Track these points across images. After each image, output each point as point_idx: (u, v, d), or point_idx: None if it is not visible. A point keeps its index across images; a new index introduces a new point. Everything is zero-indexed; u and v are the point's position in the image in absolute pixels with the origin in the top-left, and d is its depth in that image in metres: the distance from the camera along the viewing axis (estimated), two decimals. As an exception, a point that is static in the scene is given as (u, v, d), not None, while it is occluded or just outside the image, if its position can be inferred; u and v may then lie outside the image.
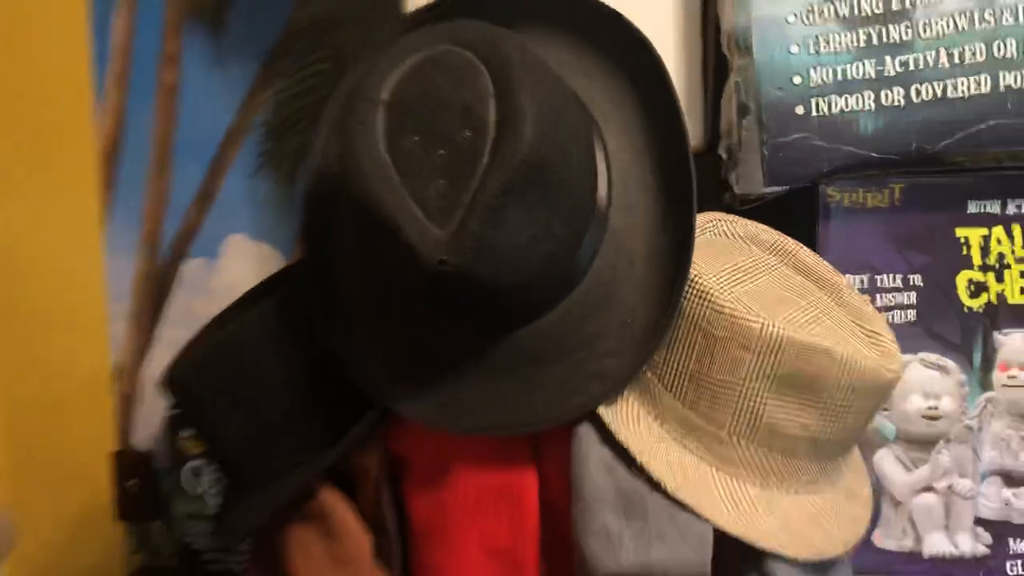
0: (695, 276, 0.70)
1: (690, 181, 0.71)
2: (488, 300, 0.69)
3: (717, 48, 0.87)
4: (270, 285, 0.90)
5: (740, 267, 0.72)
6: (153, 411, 1.31)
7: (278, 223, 1.24)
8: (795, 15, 0.81)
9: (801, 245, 0.77)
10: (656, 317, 0.70)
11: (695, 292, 0.69)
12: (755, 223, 0.77)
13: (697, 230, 0.71)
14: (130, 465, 1.32)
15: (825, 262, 0.76)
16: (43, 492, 1.32)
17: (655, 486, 0.67)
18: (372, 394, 0.77)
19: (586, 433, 0.72)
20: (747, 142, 0.82)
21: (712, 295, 0.68)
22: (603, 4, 0.77)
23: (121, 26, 1.26)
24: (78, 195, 1.29)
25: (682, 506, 0.67)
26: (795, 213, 0.86)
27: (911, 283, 0.86)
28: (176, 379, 0.84)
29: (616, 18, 0.76)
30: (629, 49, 0.76)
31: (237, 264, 1.23)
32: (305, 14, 1.20)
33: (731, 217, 0.77)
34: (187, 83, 1.24)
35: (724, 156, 0.85)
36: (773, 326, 0.66)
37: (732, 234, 0.76)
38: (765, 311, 0.67)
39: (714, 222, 0.77)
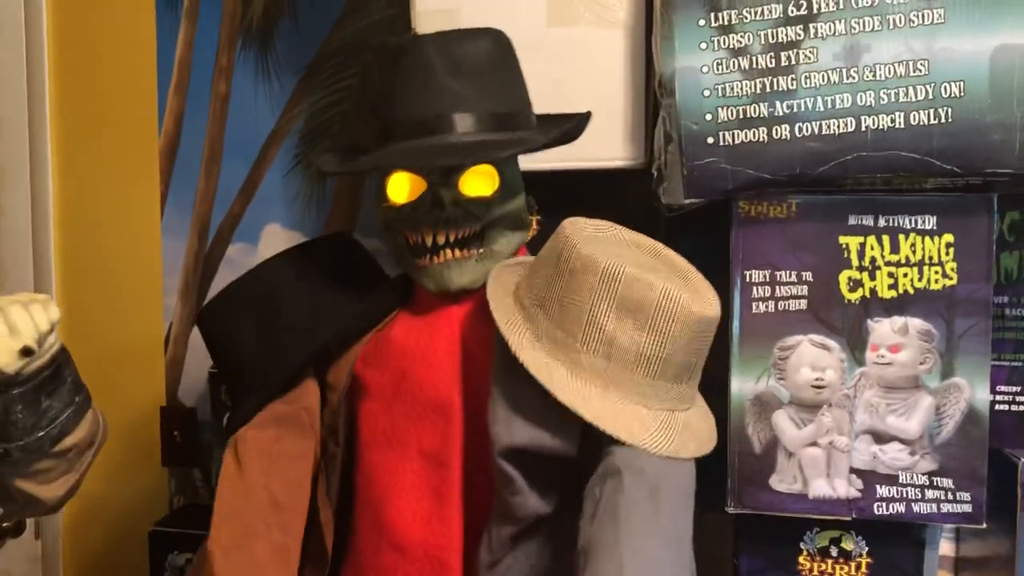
0: (570, 235, 0.88)
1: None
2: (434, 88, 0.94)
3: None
4: None
5: (613, 247, 0.91)
6: (197, 372, 1.44)
7: (307, 215, 1.38)
8: (707, 67, 0.99)
9: (670, 249, 0.94)
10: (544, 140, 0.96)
11: (569, 244, 0.87)
12: (643, 235, 0.96)
13: (591, 228, 0.91)
14: (175, 418, 1.47)
15: (683, 259, 0.93)
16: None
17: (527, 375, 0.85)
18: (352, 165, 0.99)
19: (499, 354, 0.90)
20: (671, 163, 1.00)
21: (576, 244, 0.87)
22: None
23: (183, 41, 1.41)
24: (142, 184, 1.45)
25: (538, 386, 0.84)
26: (713, 221, 1.05)
27: (803, 279, 1.04)
28: (207, 308, 1.07)
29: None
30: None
31: (273, 249, 1.24)
32: (337, 37, 1.34)
33: (622, 228, 0.96)
34: (236, 93, 1.40)
35: (655, 173, 1.03)
36: (614, 262, 0.84)
37: (619, 238, 0.95)
38: (613, 258, 0.85)
39: (607, 227, 0.95)
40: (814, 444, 1.05)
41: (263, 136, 1.38)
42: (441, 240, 0.97)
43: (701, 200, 1.02)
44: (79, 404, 0.97)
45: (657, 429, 0.84)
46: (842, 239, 1.03)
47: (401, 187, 0.99)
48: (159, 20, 1.41)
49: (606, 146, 1.10)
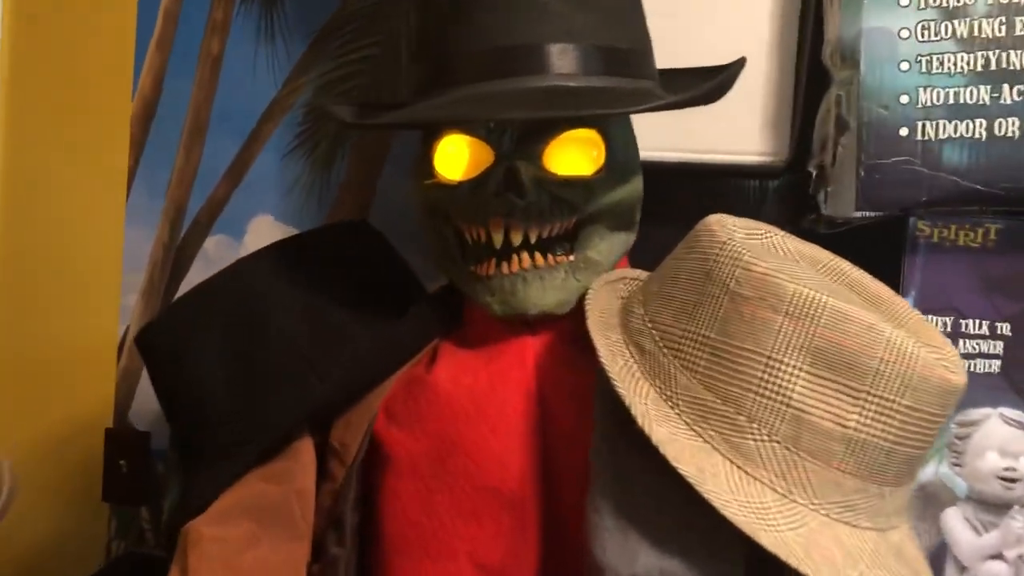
0: (727, 241, 0.63)
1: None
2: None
3: (813, 58, 0.83)
4: None
5: (784, 263, 0.67)
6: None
7: (306, 207, 1.21)
8: (908, 30, 0.77)
9: (860, 270, 0.71)
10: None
11: (725, 254, 0.62)
12: (809, 244, 0.71)
13: (741, 231, 0.66)
14: (123, 444, 1.30)
15: (886, 287, 0.70)
16: (35, 461, 1.28)
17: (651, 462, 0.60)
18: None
19: (603, 421, 0.65)
20: (843, 161, 0.77)
21: (743, 256, 0.61)
22: None
23: None
24: (106, 155, 1.28)
25: (673, 482, 0.59)
26: (879, 244, 0.81)
27: (998, 331, 0.81)
28: (154, 324, 0.80)
29: None
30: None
31: (262, 245, 1.19)
32: (355, 1, 1.18)
33: (782, 232, 0.71)
34: (231, 54, 1.23)
35: (814, 173, 0.81)
36: (809, 289, 0.59)
37: (782, 247, 0.70)
38: (804, 280, 0.61)
39: (763, 232, 0.71)
40: (999, 557, 0.82)
41: (260, 108, 1.23)
42: (516, 239, 0.70)
43: (876, 214, 0.79)
44: None
45: (867, 564, 0.58)
46: None
47: (457, 155, 0.72)
48: None
49: (734, 134, 0.86)
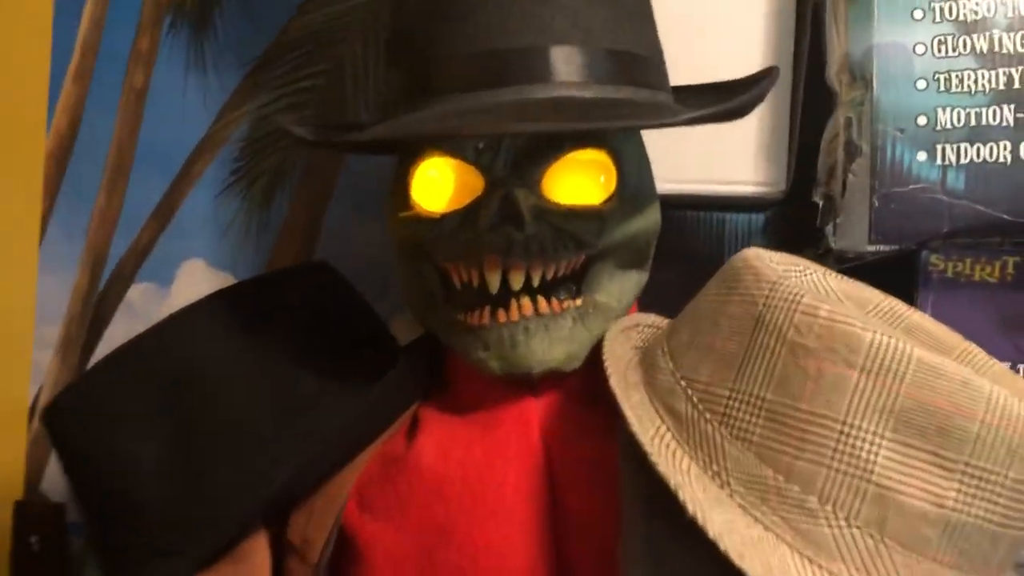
0: (777, 279, 0.54)
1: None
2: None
3: (811, 77, 0.77)
4: None
5: (849, 309, 0.58)
6: None
7: (242, 250, 1.15)
8: (924, 45, 0.70)
9: (918, 311, 0.63)
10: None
11: (778, 296, 0.53)
12: (852, 280, 0.63)
13: (779, 267, 0.58)
14: (35, 518, 1.22)
15: (953, 332, 0.62)
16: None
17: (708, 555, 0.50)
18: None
19: (635, 503, 0.55)
20: (854, 189, 0.70)
21: (801, 298, 0.52)
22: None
23: (90, 16, 1.19)
24: (17, 198, 1.21)
25: None
26: (889, 280, 0.74)
27: (1020, 372, 0.75)
28: (64, 398, 0.66)
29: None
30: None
31: (192, 293, 1.15)
32: (301, 24, 1.14)
33: (821, 267, 0.63)
34: (158, 86, 1.16)
35: (821, 203, 0.74)
36: (891, 337, 0.49)
37: (824, 287, 0.62)
38: (878, 326, 0.51)
39: (805, 269, 0.62)
40: None
41: (190, 144, 1.17)
42: (516, 282, 0.61)
43: (891, 248, 0.72)
44: None
45: None
46: None
47: (441, 182, 0.63)
48: None
49: (724, 163, 0.79)
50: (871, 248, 0.71)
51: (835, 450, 0.48)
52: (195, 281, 1.15)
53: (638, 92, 0.60)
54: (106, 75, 1.16)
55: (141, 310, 1.17)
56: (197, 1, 1.15)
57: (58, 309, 1.19)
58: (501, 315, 0.61)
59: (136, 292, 1.18)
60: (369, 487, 0.64)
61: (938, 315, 0.74)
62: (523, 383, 0.64)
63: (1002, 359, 0.73)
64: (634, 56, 0.61)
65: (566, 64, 0.58)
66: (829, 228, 0.72)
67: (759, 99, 0.66)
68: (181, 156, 1.14)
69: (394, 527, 0.62)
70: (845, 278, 0.61)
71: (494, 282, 0.61)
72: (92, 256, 1.17)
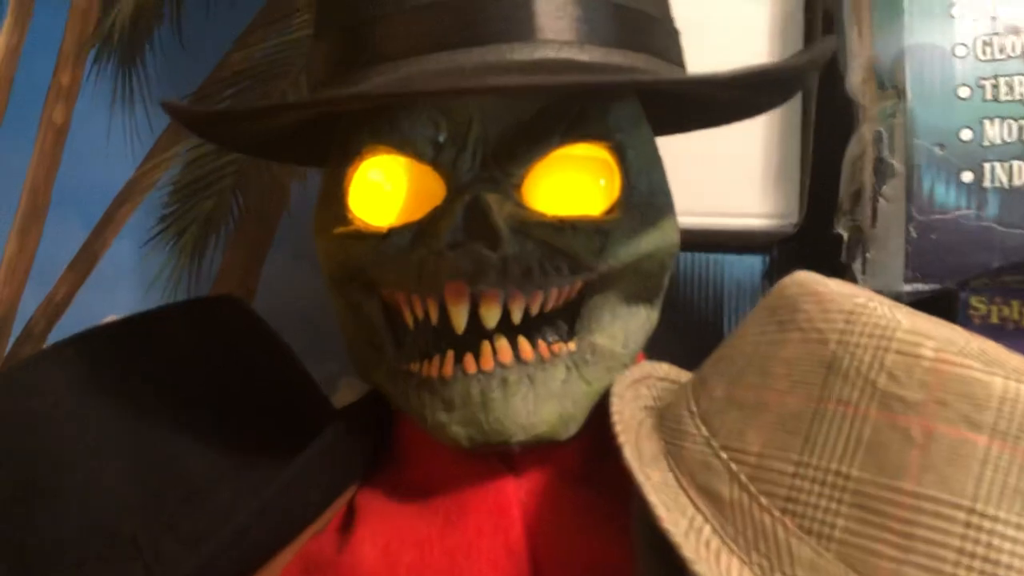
0: (855, 307, 0.41)
1: None
2: None
3: (824, 89, 0.69)
4: None
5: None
6: None
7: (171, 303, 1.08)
8: (965, 47, 0.62)
9: (1008, 351, 0.51)
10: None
11: (862, 329, 0.40)
12: (928, 316, 0.51)
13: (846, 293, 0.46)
14: None
15: None
16: None
17: None
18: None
19: None
20: (886, 217, 0.61)
21: (895, 331, 0.39)
22: None
23: (5, 47, 1.13)
24: None
25: None
26: None
27: None
28: None
29: None
30: None
31: None
32: (241, 57, 1.09)
33: (891, 302, 0.50)
34: (80, 124, 1.11)
35: (846, 236, 0.65)
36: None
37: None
38: (1004, 368, 0.39)
39: (866, 299, 0.49)
40: None
41: (114, 188, 1.09)
42: (490, 318, 0.48)
43: (931, 287, 0.62)
44: None
45: None
46: None
47: (387, 187, 0.50)
48: None
49: (729, 192, 0.70)
50: (908, 288, 0.61)
51: (960, 550, 0.35)
52: None
53: (650, 61, 0.48)
54: (21, 111, 1.10)
55: None
56: (126, 32, 1.10)
57: None
58: (470, 363, 0.48)
59: None
60: None
61: None
62: (499, 457, 0.50)
63: None
64: (643, 15, 0.49)
65: (555, 17, 0.46)
66: (857, 264, 0.63)
67: (817, 65, 0.54)
68: (104, 201, 1.08)
69: None
70: (917, 313, 0.49)
71: (460, 318, 0.47)
72: (1, 312, 1.08)
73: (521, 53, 0.45)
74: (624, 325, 0.52)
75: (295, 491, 0.48)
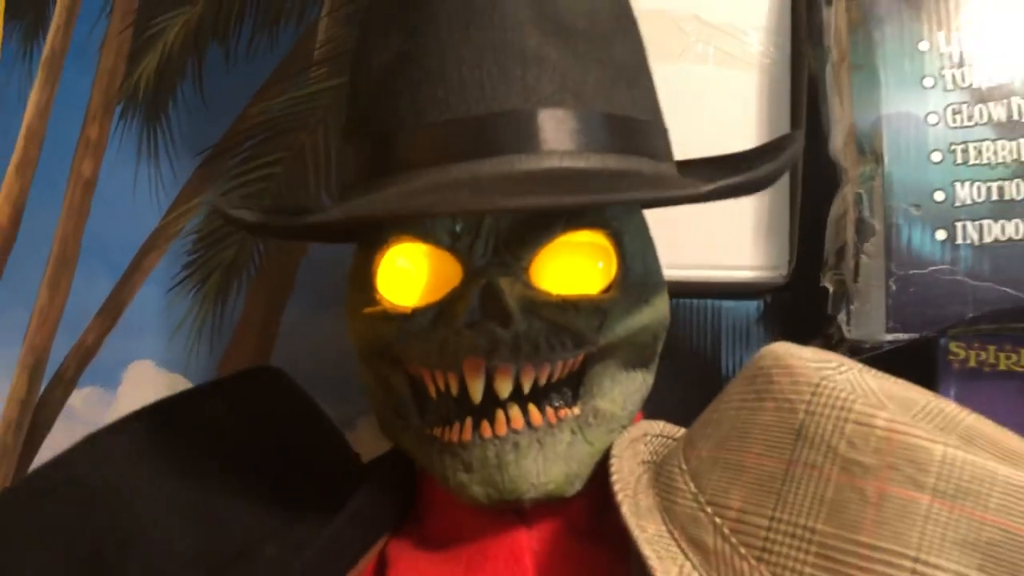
0: (820, 381, 0.46)
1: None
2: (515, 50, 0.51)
3: (810, 152, 0.72)
4: None
5: (909, 416, 0.51)
6: None
7: (195, 350, 1.09)
8: (937, 115, 0.66)
9: (971, 412, 0.55)
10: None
11: (823, 402, 0.45)
12: (896, 379, 0.55)
13: (812, 363, 0.50)
14: None
15: (1012, 433, 0.55)
16: None
17: None
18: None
19: None
20: (868, 272, 0.64)
21: (852, 404, 0.44)
22: None
23: (35, 104, 1.15)
24: None
25: None
26: (903, 373, 0.69)
27: None
28: None
29: None
30: None
31: (140, 396, 1.08)
32: (259, 110, 1.10)
33: (857, 364, 0.56)
34: (107, 177, 1.12)
35: (831, 289, 0.68)
36: (966, 451, 0.42)
37: (863, 387, 0.53)
38: (945, 437, 0.44)
39: (840, 366, 0.55)
40: None
41: (140, 237, 1.11)
42: (504, 390, 0.53)
43: (910, 336, 0.66)
44: None
45: None
46: None
47: (411, 272, 0.55)
48: (3, 73, 1.16)
49: (723, 246, 0.73)
50: (889, 337, 0.65)
51: None
52: (143, 384, 1.09)
53: (642, 162, 0.53)
54: (51, 166, 1.13)
55: (84, 416, 1.10)
56: (150, 89, 1.12)
57: None
58: (486, 429, 0.52)
59: (79, 397, 1.11)
60: None
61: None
62: (514, 511, 0.55)
63: None
64: (633, 121, 0.54)
65: (557, 130, 0.51)
66: (842, 316, 0.66)
67: (786, 167, 0.59)
68: (130, 250, 1.09)
69: None
70: (883, 375, 0.53)
71: (477, 390, 0.52)
72: (31, 359, 1.10)
73: (528, 163, 0.50)
74: (623, 390, 0.56)
75: (335, 547, 0.53)
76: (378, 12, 0.56)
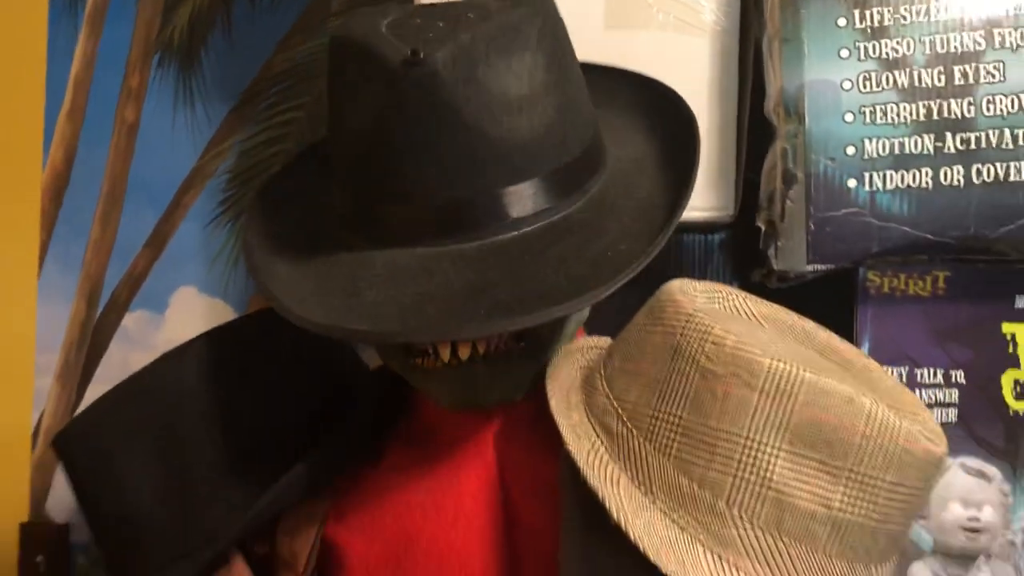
0: (693, 313, 0.59)
1: (694, 138, 0.70)
2: (454, 155, 0.60)
3: (754, 111, 0.81)
4: None
5: (751, 332, 0.63)
6: None
7: (232, 277, 1.16)
8: (851, 81, 0.75)
9: (827, 330, 0.68)
10: (644, 247, 0.62)
11: (692, 327, 0.58)
12: (771, 304, 0.68)
13: (702, 295, 0.63)
14: (40, 538, 1.20)
15: (855, 348, 0.68)
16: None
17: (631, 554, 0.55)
18: (292, 310, 0.63)
19: (572, 512, 0.61)
20: (792, 214, 0.75)
21: (712, 329, 0.57)
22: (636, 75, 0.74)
23: (81, 56, 1.19)
24: (15, 232, 1.20)
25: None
26: (831, 296, 0.79)
27: (952, 380, 0.79)
28: (73, 428, 0.72)
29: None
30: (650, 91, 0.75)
31: (185, 319, 1.15)
32: (284, 58, 1.15)
33: (742, 293, 0.68)
34: (148, 121, 1.18)
35: (763, 228, 0.78)
36: (784, 363, 0.55)
37: (744, 310, 0.67)
38: (776, 353, 0.57)
39: (724, 294, 0.67)
40: None
41: (180, 176, 1.18)
42: (464, 354, 0.65)
43: (828, 267, 0.77)
44: None
45: None
46: (1007, 327, 0.80)
47: None
48: (52, 28, 1.20)
49: None
50: (810, 268, 0.76)
51: (739, 461, 0.54)
52: (187, 307, 1.17)
53: (587, 212, 0.64)
54: (98, 112, 1.18)
55: (136, 336, 1.18)
56: (184, 39, 1.16)
57: (57, 337, 1.19)
58: (451, 360, 0.64)
59: (131, 319, 1.18)
60: (345, 504, 0.69)
61: (877, 328, 0.79)
62: (478, 411, 0.69)
63: (936, 366, 0.79)
64: (579, 158, 0.65)
65: (517, 202, 0.62)
66: (771, 251, 0.76)
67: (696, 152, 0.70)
68: (171, 188, 1.16)
69: (367, 538, 0.67)
70: (765, 302, 0.66)
71: (445, 354, 0.64)
72: (88, 286, 1.19)
73: (493, 239, 0.62)
74: (562, 326, 0.68)
75: (352, 439, 0.69)
76: (343, 75, 0.65)
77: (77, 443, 0.71)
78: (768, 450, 0.54)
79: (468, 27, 0.60)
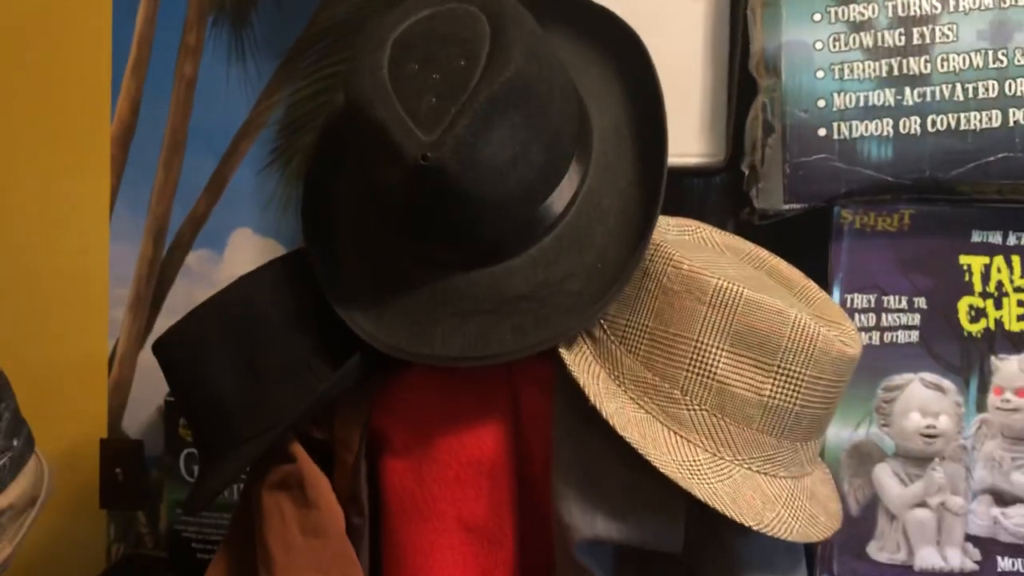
0: (660, 243, 0.72)
1: (663, 148, 0.77)
2: (467, 218, 0.72)
3: (744, 68, 0.89)
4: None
5: (709, 257, 0.75)
6: (146, 398, 1.27)
7: (283, 220, 1.21)
8: (822, 42, 0.83)
9: (778, 257, 0.80)
10: (624, 261, 0.73)
11: (658, 255, 0.72)
12: (734, 236, 0.80)
13: (675, 229, 0.75)
14: (118, 453, 1.29)
15: (798, 271, 0.79)
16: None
17: (607, 432, 0.67)
18: (348, 321, 0.80)
19: (562, 402, 0.73)
20: (770, 160, 0.84)
21: (673, 256, 0.71)
22: (596, 4, 0.82)
23: (144, 16, 1.24)
24: (88, 178, 1.27)
25: (621, 450, 0.67)
26: (809, 232, 0.88)
27: (915, 305, 0.88)
28: (170, 334, 0.86)
29: (610, 16, 0.82)
30: (619, 43, 0.82)
31: (242, 258, 1.20)
32: (326, 16, 1.19)
33: (710, 227, 0.80)
34: (205, 76, 1.23)
35: (747, 172, 0.87)
36: (728, 282, 0.68)
37: (710, 241, 0.79)
38: (723, 274, 0.70)
39: (693, 228, 0.79)
40: (923, 505, 0.89)
41: (234, 127, 1.22)
42: None
43: (803, 206, 0.85)
44: (17, 451, 0.74)
45: (784, 505, 0.67)
46: (963, 259, 0.88)
47: None
48: None
49: (676, 139, 0.88)
50: (786, 207, 0.85)
51: (691, 359, 0.68)
52: (244, 247, 1.22)
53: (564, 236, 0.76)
54: (160, 67, 1.23)
55: (198, 273, 1.24)
56: (236, 1, 1.20)
57: (128, 273, 1.25)
58: None
59: (193, 258, 1.24)
60: (385, 396, 0.82)
61: (850, 260, 0.88)
62: None
63: (901, 293, 0.88)
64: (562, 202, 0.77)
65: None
66: (753, 192, 0.85)
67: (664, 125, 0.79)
68: (227, 137, 1.21)
69: (404, 424, 0.80)
70: (729, 234, 0.79)
71: None
72: (155, 226, 1.25)
73: (506, 266, 0.76)
74: None
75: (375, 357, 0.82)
76: (365, 143, 0.76)
77: (172, 347, 0.86)
78: (713, 351, 0.67)
79: (463, 95, 0.70)
